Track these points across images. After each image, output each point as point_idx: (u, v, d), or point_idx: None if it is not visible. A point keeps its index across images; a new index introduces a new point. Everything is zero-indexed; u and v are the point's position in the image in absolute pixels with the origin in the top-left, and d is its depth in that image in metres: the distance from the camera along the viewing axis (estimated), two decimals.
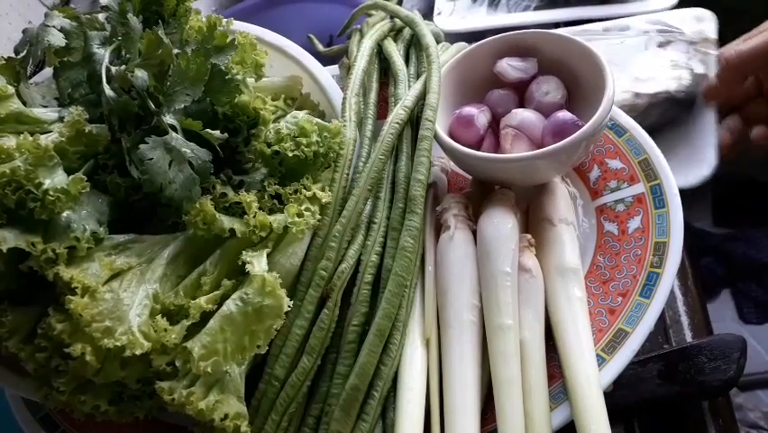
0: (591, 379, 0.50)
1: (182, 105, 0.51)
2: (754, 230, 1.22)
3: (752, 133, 0.79)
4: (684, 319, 0.69)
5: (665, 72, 0.78)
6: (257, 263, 0.50)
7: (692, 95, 0.77)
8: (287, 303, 0.48)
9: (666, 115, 0.69)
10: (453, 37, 0.85)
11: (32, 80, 0.64)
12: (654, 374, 0.61)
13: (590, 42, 0.61)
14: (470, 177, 0.68)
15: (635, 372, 0.61)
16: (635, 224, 0.60)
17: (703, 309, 0.71)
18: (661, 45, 0.81)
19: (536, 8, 0.97)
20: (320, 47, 0.91)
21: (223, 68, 0.54)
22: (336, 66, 0.81)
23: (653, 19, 0.85)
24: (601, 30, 0.86)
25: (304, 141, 0.56)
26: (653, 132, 0.65)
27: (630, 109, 0.75)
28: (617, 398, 0.57)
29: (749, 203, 1.23)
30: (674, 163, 0.62)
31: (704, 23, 0.82)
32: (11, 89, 0.55)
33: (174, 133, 0.51)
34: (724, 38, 0.81)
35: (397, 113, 0.61)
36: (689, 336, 0.68)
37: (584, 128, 0.56)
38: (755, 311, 1.22)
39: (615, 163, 0.64)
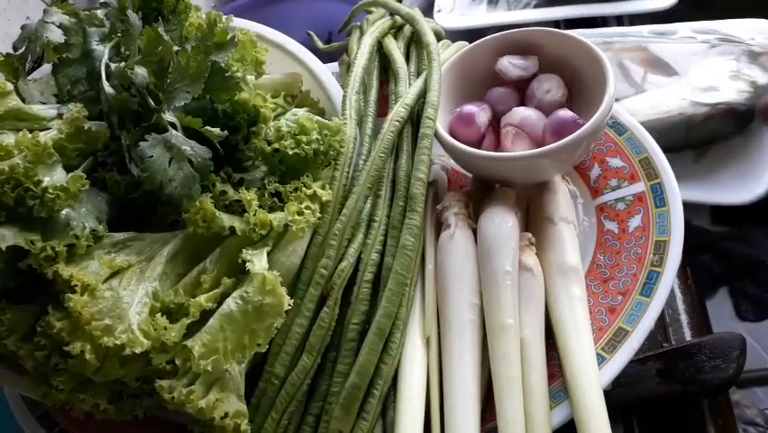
0: (591, 378, 0.50)
1: (182, 103, 0.51)
2: (752, 228, 1.22)
3: None
4: (683, 318, 0.69)
5: (726, 82, 0.74)
6: (257, 261, 0.50)
7: (752, 108, 0.73)
8: (287, 302, 0.48)
9: (723, 128, 0.66)
10: (453, 34, 0.85)
11: (29, 77, 0.64)
12: (654, 373, 0.61)
13: (652, 45, 0.58)
14: (470, 175, 0.68)
15: (635, 370, 0.61)
16: (635, 222, 0.60)
17: (702, 308, 0.71)
18: (722, 54, 0.78)
19: (536, 6, 0.96)
20: (319, 44, 0.90)
21: (223, 65, 0.54)
22: (336, 63, 0.81)
23: (703, 27, 0.82)
24: (647, 33, 0.82)
25: (304, 138, 0.56)
26: (706, 143, 0.61)
27: (687, 120, 0.72)
28: (616, 396, 0.57)
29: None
30: (726, 178, 0.59)
31: (766, 34, 0.78)
32: (9, 86, 0.55)
33: (174, 131, 0.51)
34: None
35: (398, 111, 0.61)
36: (688, 335, 0.68)
37: (585, 127, 0.56)
38: (752, 309, 1.22)
39: (615, 162, 0.64)
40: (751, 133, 0.73)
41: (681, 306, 0.70)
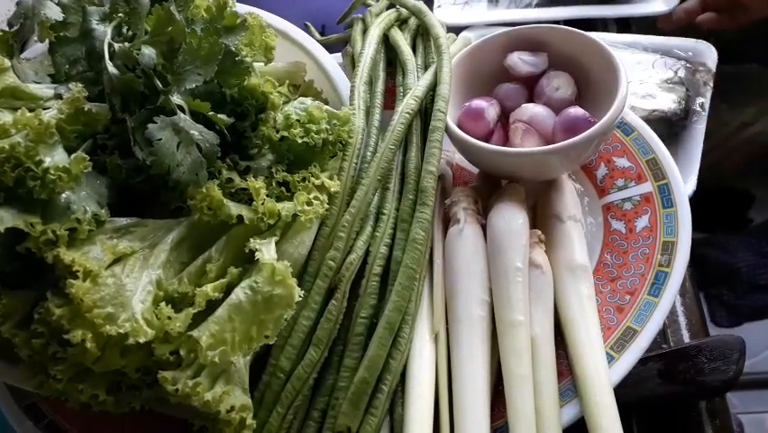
0: (602, 376, 0.50)
1: (193, 85, 0.49)
2: (727, 236, 1.24)
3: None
4: (682, 320, 0.69)
5: (662, 93, 0.80)
6: (266, 251, 0.48)
7: (685, 119, 0.78)
8: (297, 293, 0.47)
9: (657, 132, 0.70)
10: (452, 30, 0.84)
11: (21, 56, 0.62)
12: (654, 374, 0.61)
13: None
14: (475, 171, 0.67)
15: (636, 370, 0.60)
16: (642, 222, 0.60)
17: (699, 310, 0.71)
18: (663, 66, 0.84)
19: (537, 5, 0.96)
20: (317, 36, 0.89)
21: (233, 49, 0.52)
22: (339, 54, 0.79)
23: (653, 41, 0.88)
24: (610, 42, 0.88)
25: (313, 127, 0.55)
26: None
27: None
28: (617, 396, 0.56)
29: (723, 209, 1.25)
30: None
31: (709, 55, 0.85)
32: (7, 62, 0.53)
33: (182, 114, 0.49)
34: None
35: (408, 103, 0.60)
36: (686, 337, 0.68)
37: (598, 125, 0.55)
38: (726, 316, 1.23)
39: (622, 162, 0.64)
40: (683, 138, 0.78)
41: (679, 308, 0.70)
